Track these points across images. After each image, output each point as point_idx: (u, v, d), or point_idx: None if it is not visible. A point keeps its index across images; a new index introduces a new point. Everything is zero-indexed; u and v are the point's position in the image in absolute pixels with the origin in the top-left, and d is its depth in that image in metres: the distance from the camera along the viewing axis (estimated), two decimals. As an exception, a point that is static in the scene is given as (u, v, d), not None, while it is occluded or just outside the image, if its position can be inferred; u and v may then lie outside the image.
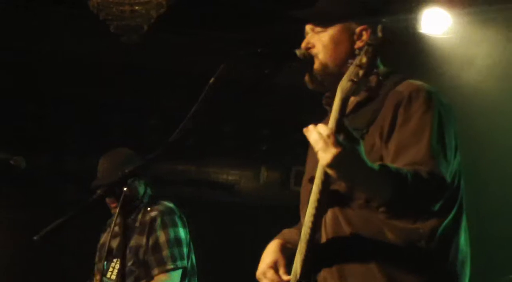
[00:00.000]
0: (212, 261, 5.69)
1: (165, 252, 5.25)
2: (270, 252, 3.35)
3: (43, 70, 7.59)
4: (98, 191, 4.98)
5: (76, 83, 7.87)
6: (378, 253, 3.02)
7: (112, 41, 6.29)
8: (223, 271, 6.93)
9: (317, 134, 2.65)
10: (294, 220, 3.55)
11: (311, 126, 2.70)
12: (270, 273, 3.25)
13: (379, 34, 2.67)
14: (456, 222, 3.08)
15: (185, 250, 5.35)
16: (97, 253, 5.62)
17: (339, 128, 2.67)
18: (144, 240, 5.29)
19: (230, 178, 8.82)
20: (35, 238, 2.89)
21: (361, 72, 2.59)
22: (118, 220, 3.01)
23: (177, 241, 5.31)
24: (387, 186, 2.78)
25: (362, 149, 2.70)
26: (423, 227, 2.99)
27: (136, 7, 5.90)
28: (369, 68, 2.57)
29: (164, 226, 5.30)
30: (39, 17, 7.12)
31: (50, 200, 8.05)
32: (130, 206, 5.28)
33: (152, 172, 5.51)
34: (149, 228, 5.29)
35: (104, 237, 5.62)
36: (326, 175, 2.81)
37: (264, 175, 8.80)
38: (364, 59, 2.59)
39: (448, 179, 2.93)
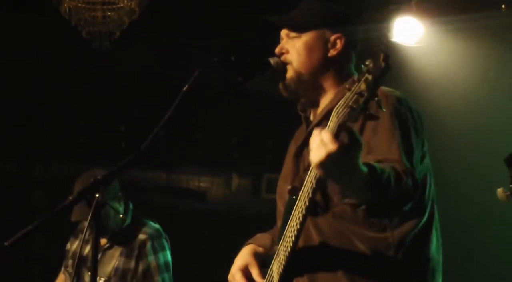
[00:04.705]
0: (183, 268, 5.66)
1: (156, 278, 5.25)
2: (242, 256, 3.37)
3: (12, 77, 7.53)
4: (69, 197, 4.93)
5: (43, 90, 7.82)
6: (347, 262, 3.04)
7: (82, 48, 6.25)
8: (194, 278, 6.90)
9: (317, 136, 2.61)
10: (266, 227, 3.56)
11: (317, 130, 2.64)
12: (239, 276, 3.28)
13: (382, 63, 2.51)
14: (427, 230, 3.10)
15: (171, 273, 5.37)
16: (70, 260, 5.53)
17: (340, 129, 2.59)
18: (132, 264, 5.25)
19: (201, 185, 8.81)
20: (6, 243, 2.86)
21: (361, 100, 2.50)
22: (89, 231, 2.95)
23: (167, 266, 5.34)
24: (370, 190, 2.74)
25: (360, 152, 2.64)
26: (392, 236, 3.00)
27: (108, 13, 5.88)
28: (369, 96, 2.50)
29: (154, 251, 5.29)
30: (10, 23, 7.09)
31: (18, 206, 7.99)
32: (112, 228, 5.25)
33: (123, 180, 5.46)
34: (138, 252, 5.26)
35: (77, 244, 5.54)
36: (314, 192, 2.80)
37: (235, 182, 8.80)
38: (363, 87, 2.50)
39: (418, 177, 2.93)
